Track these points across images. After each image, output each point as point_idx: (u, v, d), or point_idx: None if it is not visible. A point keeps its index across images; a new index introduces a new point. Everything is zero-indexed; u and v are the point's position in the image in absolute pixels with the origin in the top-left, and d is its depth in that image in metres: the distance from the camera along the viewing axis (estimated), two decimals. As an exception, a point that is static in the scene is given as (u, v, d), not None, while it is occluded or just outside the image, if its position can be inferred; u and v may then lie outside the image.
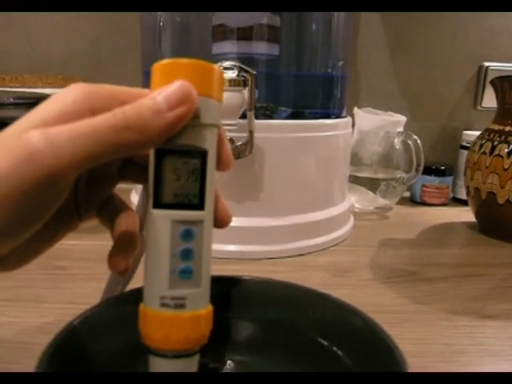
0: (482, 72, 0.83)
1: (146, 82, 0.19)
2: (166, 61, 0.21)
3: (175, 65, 0.21)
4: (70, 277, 0.44)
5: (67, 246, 0.50)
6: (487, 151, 0.59)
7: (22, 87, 0.75)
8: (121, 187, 0.27)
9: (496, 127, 0.60)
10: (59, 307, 0.37)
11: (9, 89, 0.72)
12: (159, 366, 0.22)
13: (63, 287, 0.41)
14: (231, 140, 0.45)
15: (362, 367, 0.23)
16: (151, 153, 0.21)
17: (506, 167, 0.56)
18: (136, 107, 0.19)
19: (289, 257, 0.51)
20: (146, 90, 0.21)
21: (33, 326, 0.34)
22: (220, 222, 0.24)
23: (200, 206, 0.21)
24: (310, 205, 0.54)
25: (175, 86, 0.20)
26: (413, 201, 0.80)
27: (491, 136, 0.59)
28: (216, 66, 0.22)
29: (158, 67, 0.21)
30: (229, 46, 0.53)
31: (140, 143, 0.19)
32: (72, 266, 0.46)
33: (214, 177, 0.22)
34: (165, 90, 0.20)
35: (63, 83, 0.77)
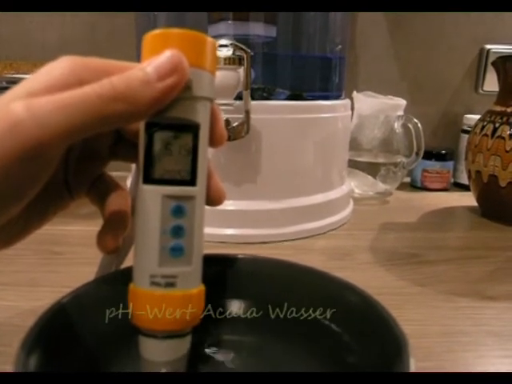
0: (483, 55, 0.82)
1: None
2: (156, 31, 0.20)
3: (166, 35, 0.20)
4: (67, 261, 0.44)
5: (65, 231, 0.51)
6: (489, 133, 0.58)
7: (17, 74, 0.74)
8: (117, 175, 0.27)
9: (498, 109, 0.59)
10: (55, 291, 0.36)
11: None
12: (149, 346, 0.21)
13: (60, 271, 0.41)
14: (227, 121, 0.44)
15: (360, 343, 0.22)
16: (141, 126, 0.21)
17: (508, 149, 0.56)
18: (124, 77, 0.18)
19: (287, 240, 0.50)
20: (136, 64, 0.21)
21: (27, 309, 0.34)
22: (213, 199, 0.23)
23: (192, 181, 0.21)
24: (309, 188, 0.53)
25: (165, 56, 0.19)
26: (413, 186, 0.79)
27: (493, 118, 0.58)
28: (209, 37, 0.21)
29: (149, 38, 0.20)
30: (225, 28, 0.52)
31: (128, 114, 0.18)
32: (69, 251, 0.46)
33: (206, 152, 0.21)
34: (154, 60, 0.19)
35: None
